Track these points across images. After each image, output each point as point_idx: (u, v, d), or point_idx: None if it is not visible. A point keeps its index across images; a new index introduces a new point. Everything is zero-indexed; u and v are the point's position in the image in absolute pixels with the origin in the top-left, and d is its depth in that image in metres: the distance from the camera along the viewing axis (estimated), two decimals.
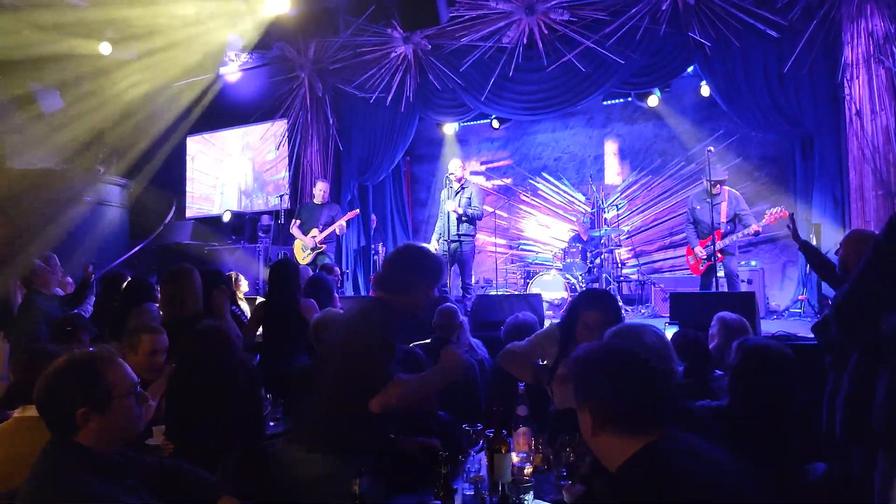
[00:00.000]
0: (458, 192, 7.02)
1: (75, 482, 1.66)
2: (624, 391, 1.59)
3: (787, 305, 7.25)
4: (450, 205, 6.90)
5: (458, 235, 6.89)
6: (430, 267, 2.59)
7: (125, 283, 5.01)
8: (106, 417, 1.72)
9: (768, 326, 5.65)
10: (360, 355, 2.36)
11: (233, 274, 6.58)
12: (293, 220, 7.79)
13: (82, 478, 1.68)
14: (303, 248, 7.59)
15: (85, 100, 9.15)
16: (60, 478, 1.67)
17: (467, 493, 2.27)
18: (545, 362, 2.89)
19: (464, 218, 6.96)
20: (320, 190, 7.81)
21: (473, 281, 9.09)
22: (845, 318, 2.09)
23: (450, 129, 10.04)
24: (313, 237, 7.49)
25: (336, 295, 5.92)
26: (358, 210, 8.13)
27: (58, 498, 1.64)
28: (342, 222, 7.52)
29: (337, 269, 6.73)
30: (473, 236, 7.17)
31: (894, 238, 1.80)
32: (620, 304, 6.98)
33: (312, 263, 7.43)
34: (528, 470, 2.36)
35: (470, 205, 6.96)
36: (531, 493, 2.19)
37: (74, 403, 1.70)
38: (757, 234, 6.35)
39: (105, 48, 8.65)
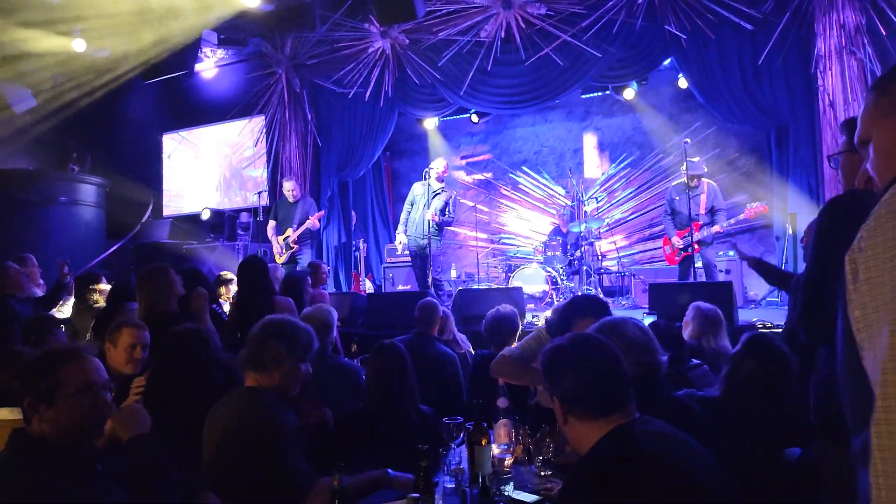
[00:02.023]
0: (435, 193, 6.97)
1: (31, 471, 1.68)
2: (584, 376, 1.69)
3: (764, 294, 7.35)
4: (427, 213, 6.87)
5: (428, 234, 6.85)
6: (298, 338, 2.38)
7: (111, 285, 4.96)
8: (51, 411, 1.74)
9: (746, 315, 5.73)
10: (261, 465, 2.14)
11: (226, 274, 6.50)
12: (269, 220, 7.68)
13: (40, 469, 1.69)
14: (278, 249, 7.51)
15: (58, 98, 9.01)
16: (19, 469, 1.69)
17: (448, 485, 2.27)
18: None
19: (440, 223, 6.95)
20: (289, 189, 7.63)
21: (454, 276, 9.11)
22: (810, 326, 1.93)
23: (430, 123, 10.03)
24: (286, 238, 7.39)
25: (323, 292, 5.89)
26: (323, 212, 8.00)
27: (15, 488, 1.64)
28: (311, 222, 7.40)
29: (324, 266, 6.62)
30: (442, 235, 7.18)
31: (835, 219, 1.77)
32: (601, 295, 7.07)
33: (290, 262, 7.37)
34: (508, 461, 2.37)
35: (444, 211, 6.93)
36: (511, 483, 2.20)
37: (24, 393, 1.77)
38: (719, 233, 6.50)
39: (79, 45, 8.51)
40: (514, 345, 3.48)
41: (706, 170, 6.76)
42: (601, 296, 6.81)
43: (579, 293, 6.97)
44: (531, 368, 2.90)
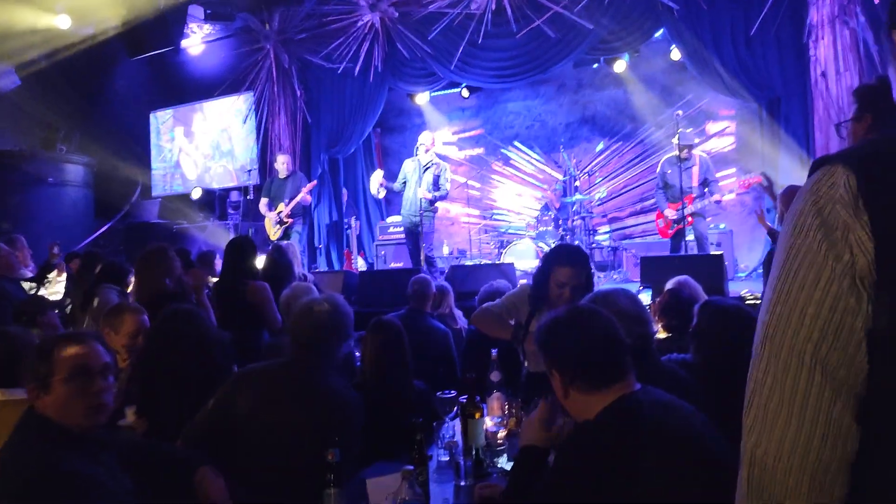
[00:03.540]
0: (426, 168, 6.91)
1: (48, 458, 1.68)
2: (584, 347, 1.66)
3: (755, 266, 7.38)
4: (420, 191, 6.82)
5: (421, 211, 6.80)
6: (346, 325, 2.47)
7: (99, 266, 4.93)
8: (50, 397, 1.77)
9: (737, 287, 5.76)
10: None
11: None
12: (262, 198, 7.66)
13: (55, 454, 1.69)
14: (272, 224, 7.50)
15: (43, 76, 8.86)
16: (33, 453, 1.69)
17: (442, 458, 2.29)
18: (513, 322, 2.94)
19: (433, 200, 6.90)
20: (282, 163, 7.63)
21: (446, 252, 9.11)
22: None
23: (421, 99, 9.93)
24: (279, 212, 7.39)
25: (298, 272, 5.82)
26: (315, 181, 7.94)
27: (31, 473, 1.64)
28: (303, 194, 7.38)
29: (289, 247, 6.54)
30: (435, 211, 7.13)
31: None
32: (593, 270, 7.08)
33: (284, 237, 7.35)
34: (501, 434, 2.39)
35: (437, 184, 6.87)
36: (504, 456, 2.22)
37: (26, 379, 1.81)
38: (718, 203, 6.46)
39: (62, 21, 8.35)
40: None
41: (697, 141, 6.74)
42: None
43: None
44: (504, 323, 2.95)
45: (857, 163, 0.73)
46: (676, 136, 6.42)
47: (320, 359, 2.40)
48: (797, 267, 0.73)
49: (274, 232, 7.43)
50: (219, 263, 6.35)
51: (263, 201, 7.58)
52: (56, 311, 4.35)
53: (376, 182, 7.03)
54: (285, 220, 7.36)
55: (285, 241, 6.54)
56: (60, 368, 1.78)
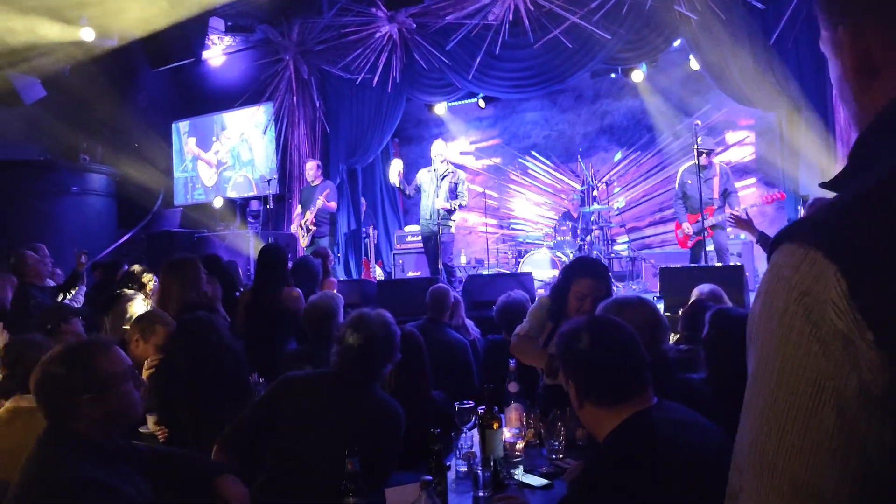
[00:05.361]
0: (443, 176, 6.93)
1: (70, 468, 1.69)
2: (601, 364, 1.65)
3: None
4: (438, 201, 6.84)
5: (439, 220, 6.81)
6: (397, 341, 2.49)
7: (120, 272, 5.02)
8: (107, 403, 1.76)
9: None
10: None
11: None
12: (297, 206, 7.81)
13: (77, 464, 1.70)
14: (301, 234, 7.60)
15: (67, 88, 9.03)
16: (55, 464, 1.70)
17: (460, 468, 2.30)
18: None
19: (451, 209, 6.90)
20: (309, 170, 7.75)
21: (464, 261, 9.11)
22: None
23: (439, 109, 9.98)
24: (305, 221, 7.46)
25: (333, 280, 5.93)
26: (329, 188, 7.93)
27: (53, 484, 1.65)
28: (319, 200, 7.40)
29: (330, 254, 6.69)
30: (453, 221, 7.12)
31: None
32: (612, 280, 7.04)
33: (310, 246, 7.44)
34: (519, 445, 2.39)
35: (455, 192, 6.88)
36: (521, 467, 2.22)
37: (74, 391, 1.73)
38: (731, 217, 6.38)
39: (87, 34, 8.51)
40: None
41: (715, 144, 6.66)
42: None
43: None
44: (541, 350, 2.90)
45: (847, 256, 0.58)
46: (699, 139, 6.28)
47: (371, 371, 2.40)
48: (792, 389, 0.60)
49: (302, 239, 7.53)
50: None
51: (297, 210, 7.70)
52: (79, 319, 4.42)
53: (395, 171, 7.04)
54: (310, 226, 7.43)
55: (317, 249, 6.63)
56: (117, 372, 1.80)
